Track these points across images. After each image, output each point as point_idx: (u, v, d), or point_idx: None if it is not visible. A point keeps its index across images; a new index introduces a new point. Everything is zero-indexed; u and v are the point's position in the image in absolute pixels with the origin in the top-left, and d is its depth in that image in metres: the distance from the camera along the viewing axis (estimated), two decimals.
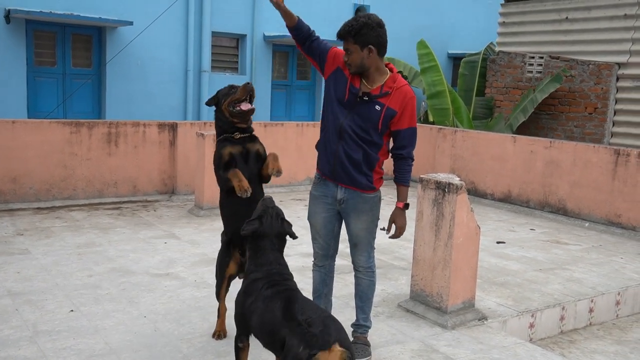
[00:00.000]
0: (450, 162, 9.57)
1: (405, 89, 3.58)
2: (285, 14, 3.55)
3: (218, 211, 7.36)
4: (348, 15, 10.37)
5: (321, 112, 3.81)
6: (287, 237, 3.28)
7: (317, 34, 3.69)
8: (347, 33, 3.47)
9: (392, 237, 3.73)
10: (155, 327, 4.14)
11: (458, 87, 13.67)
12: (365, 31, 3.45)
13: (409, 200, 3.76)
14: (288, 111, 14.97)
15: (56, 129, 7.53)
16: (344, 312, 4.37)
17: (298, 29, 3.61)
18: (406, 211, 3.73)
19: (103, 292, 4.73)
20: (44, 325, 4.07)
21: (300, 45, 3.69)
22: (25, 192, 7.35)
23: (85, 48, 12.51)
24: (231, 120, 3.93)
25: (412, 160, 3.72)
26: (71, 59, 12.32)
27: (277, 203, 3.39)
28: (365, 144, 3.60)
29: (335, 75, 3.64)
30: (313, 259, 3.94)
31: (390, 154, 3.74)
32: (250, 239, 3.20)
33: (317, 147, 3.82)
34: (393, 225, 3.72)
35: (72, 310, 4.33)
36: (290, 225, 3.30)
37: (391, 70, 3.62)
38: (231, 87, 3.94)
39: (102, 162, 7.83)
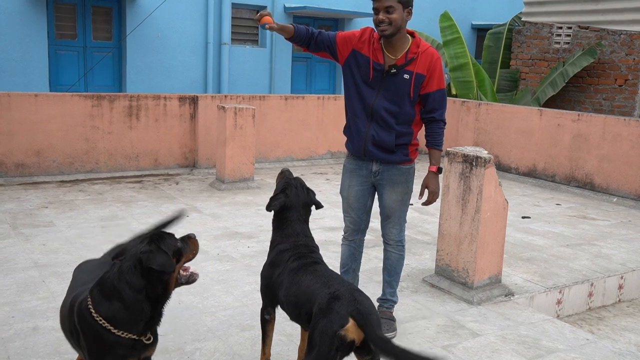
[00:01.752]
0: (473, 136, 9.42)
1: (430, 51, 3.49)
2: (282, 30, 3.46)
3: (239, 184, 7.41)
4: None
5: (344, 98, 3.72)
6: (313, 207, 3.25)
7: (316, 30, 3.58)
8: None
9: (425, 203, 3.66)
10: (179, 300, 4.14)
11: (482, 60, 13.40)
12: None
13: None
14: (309, 84, 14.86)
15: (78, 102, 7.54)
16: (367, 286, 4.33)
17: (297, 36, 3.50)
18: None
19: None
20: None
21: (305, 48, 3.59)
22: (49, 166, 7.40)
23: (106, 21, 12.48)
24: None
25: (444, 123, 3.64)
26: (92, 32, 12.31)
27: (298, 175, 3.36)
28: (398, 122, 3.52)
29: (352, 58, 3.53)
30: (343, 233, 3.89)
31: (422, 118, 3.64)
32: (276, 212, 3.17)
33: (345, 131, 3.73)
34: (426, 191, 3.65)
35: None
36: (314, 194, 3.27)
37: (412, 35, 3.52)
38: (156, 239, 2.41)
39: (123, 135, 7.84)
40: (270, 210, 3.16)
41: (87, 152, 7.63)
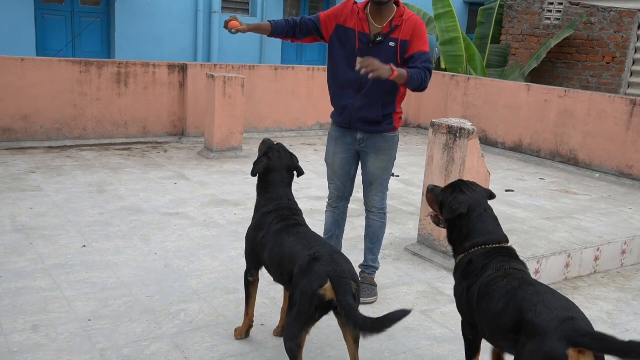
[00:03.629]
0: (462, 110, 9.49)
1: (414, 18, 3.55)
2: (258, 29, 3.48)
3: (228, 153, 7.46)
4: None
5: (327, 72, 3.75)
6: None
7: (297, 18, 3.62)
8: None
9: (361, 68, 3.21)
10: (165, 263, 4.24)
11: (475, 36, 13.41)
12: None
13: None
14: (299, 55, 14.80)
15: (66, 67, 7.51)
16: (351, 254, 4.43)
17: (276, 30, 3.54)
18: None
19: (114, 229, 4.83)
20: (58, 259, 4.17)
21: (291, 39, 3.62)
22: (36, 131, 7.40)
23: None
24: None
25: (429, 72, 3.44)
26: None
27: (287, 146, 3.42)
28: (385, 92, 3.58)
29: (337, 32, 3.59)
30: (328, 200, 3.99)
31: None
32: (260, 176, 3.24)
33: (332, 103, 3.81)
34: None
35: (84, 246, 4.43)
36: (297, 159, 3.35)
37: (397, 4, 3.58)
38: None
39: (111, 102, 7.83)
40: (255, 175, 3.24)
41: (75, 119, 7.62)
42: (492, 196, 3.02)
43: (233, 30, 3.45)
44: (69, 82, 7.51)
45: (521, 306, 2.39)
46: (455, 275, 2.88)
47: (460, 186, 2.93)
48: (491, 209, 2.95)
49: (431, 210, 3.09)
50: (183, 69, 8.25)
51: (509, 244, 2.87)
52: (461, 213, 2.83)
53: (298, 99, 9.17)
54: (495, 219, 2.93)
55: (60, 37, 11.89)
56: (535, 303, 2.36)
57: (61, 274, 3.94)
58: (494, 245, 2.80)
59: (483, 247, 2.78)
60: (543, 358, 2.20)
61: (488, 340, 2.70)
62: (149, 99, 8.07)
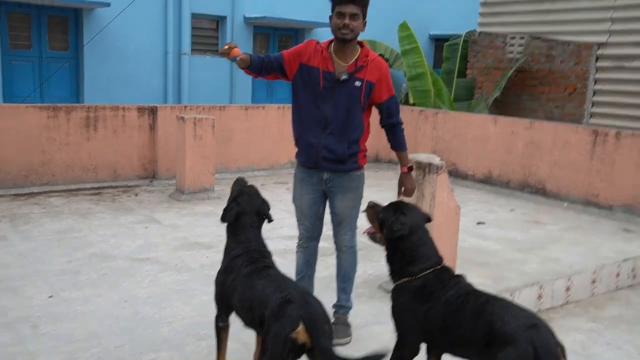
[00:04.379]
0: (432, 144, 9.62)
1: (378, 59, 3.64)
2: (243, 61, 3.48)
3: (200, 195, 7.41)
4: None
5: (292, 112, 3.79)
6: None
7: (263, 55, 3.68)
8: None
9: (404, 196, 3.85)
10: (135, 311, 4.15)
11: (441, 70, 13.70)
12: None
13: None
14: (270, 94, 14.93)
15: (33, 113, 7.44)
16: (324, 293, 4.39)
17: (253, 64, 3.55)
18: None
19: (83, 277, 4.72)
20: (22, 311, 4.05)
21: (257, 74, 3.65)
22: (2, 179, 7.26)
23: (62, 30, 12.34)
24: None
25: (402, 124, 3.79)
26: (47, 42, 12.15)
27: (259, 186, 3.42)
28: (350, 130, 3.62)
29: (301, 71, 3.61)
30: (298, 241, 3.97)
31: (382, 126, 3.79)
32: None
33: (297, 143, 3.81)
34: (403, 189, 3.84)
35: (51, 296, 4.32)
36: (268, 206, 3.34)
37: (361, 45, 3.64)
38: None
39: (81, 147, 7.76)
40: (225, 222, 3.22)
41: (43, 165, 7.52)
42: (429, 219, 3.22)
43: (237, 59, 3.44)
44: (36, 128, 7.43)
45: (490, 319, 2.62)
46: (400, 297, 3.01)
47: (401, 207, 3.10)
48: (428, 231, 3.14)
49: (369, 226, 3.24)
50: (153, 111, 8.24)
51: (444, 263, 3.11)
52: (402, 234, 2.98)
53: (269, 138, 9.20)
54: (432, 240, 3.13)
55: (28, 82, 11.82)
56: (502, 315, 2.61)
57: (26, 327, 3.83)
58: (438, 267, 3.01)
59: (431, 270, 2.97)
60: None
61: (451, 351, 2.91)
62: (119, 143, 8.02)
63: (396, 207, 3.10)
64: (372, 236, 3.23)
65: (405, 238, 3.01)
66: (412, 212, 3.10)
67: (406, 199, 3.79)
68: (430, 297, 2.88)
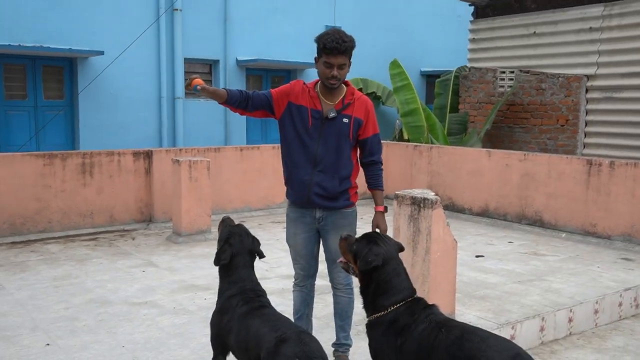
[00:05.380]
0: (427, 179, 9.68)
1: (364, 98, 3.73)
2: (215, 94, 3.53)
3: (196, 237, 7.41)
4: None
5: (281, 151, 3.83)
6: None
7: (250, 91, 3.70)
8: (351, 49, 3.55)
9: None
10: (133, 356, 4.11)
11: (434, 106, 13.88)
12: (354, 46, 3.57)
13: (387, 217, 3.83)
14: (264, 134, 15.06)
15: (29, 161, 7.49)
16: (324, 332, 4.38)
17: (231, 99, 3.58)
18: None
19: (80, 323, 4.69)
20: None
21: (242, 110, 3.67)
22: None
23: (57, 79, 12.50)
24: None
25: (382, 164, 3.85)
26: (42, 91, 12.30)
27: (256, 226, 3.44)
28: (340, 166, 3.67)
29: (289, 110, 3.67)
30: (294, 280, 3.97)
31: (362, 162, 3.84)
32: None
33: (287, 182, 3.85)
34: (377, 231, 3.77)
35: (48, 344, 4.28)
36: (259, 243, 3.36)
37: (346, 84, 3.73)
38: None
39: (77, 193, 7.79)
40: (219, 265, 3.24)
41: (39, 212, 7.53)
42: (401, 249, 3.19)
43: (198, 87, 3.46)
44: (32, 176, 7.47)
45: (470, 354, 2.57)
46: (374, 333, 2.95)
47: (375, 238, 3.08)
48: (401, 262, 3.10)
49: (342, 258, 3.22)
50: (148, 155, 8.30)
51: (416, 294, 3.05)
52: (376, 265, 2.94)
53: (265, 178, 9.25)
54: (405, 271, 3.09)
55: (24, 131, 11.93)
56: (484, 349, 2.56)
57: None
58: (410, 299, 2.95)
59: (403, 302, 2.91)
60: None
61: None
62: (115, 187, 8.05)
63: (369, 239, 3.08)
64: (346, 267, 3.19)
65: (380, 269, 2.96)
66: (386, 243, 3.07)
67: None
68: (402, 331, 2.81)
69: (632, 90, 10.36)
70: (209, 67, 14.33)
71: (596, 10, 10.75)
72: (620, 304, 5.44)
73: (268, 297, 3.25)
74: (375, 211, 3.80)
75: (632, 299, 5.57)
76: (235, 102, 3.60)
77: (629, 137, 10.39)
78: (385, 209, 3.81)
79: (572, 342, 4.83)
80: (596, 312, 5.25)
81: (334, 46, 3.46)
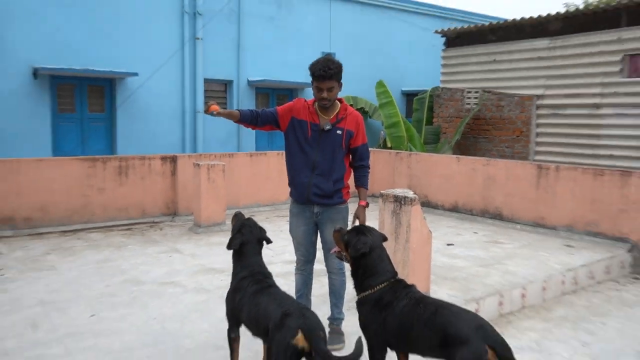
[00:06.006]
0: (407, 181, 9.70)
1: (355, 113, 3.76)
2: (229, 115, 3.55)
3: (214, 228, 7.42)
4: None
5: (285, 158, 3.86)
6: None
7: (259, 109, 3.73)
8: (337, 74, 3.55)
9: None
10: (162, 327, 4.14)
11: (412, 119, 13.91)
12: (341, 70, 3.58)
13: (373, 212, 3.86)
14: (270, 142, 15.06)
15: (76, 164, 7.49)
16: (321, 308, 4.40)
17: (243, 118, 3.61)
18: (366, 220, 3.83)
19: (118, 299, 4.71)
20: (70, 328, 4.04)
21: (253, 126, 3.69)
22: (51, 218, 7.27)
23: (99, 96, 12.51)
24: None
25: (369, 168, 3.89)
26: (88, 106, 12.30)
27: (263, 219, 3.47)
28: (334, 171, 3.69)
29: (292, 124, 3.70)
30: (296, 264, 3.99)
31: (352, 166, 3.86)
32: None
33: (290, 184, 3.87)
34: (357, 220, 3.79)
35: (92, 315, 4.31)
36: (265, 232, 3.39)
37: (340, 101, 3.75)
38: None
39: (115, 191, 7.79)
40: (231, 249, 3.26)
41: (85, 206, 7.54)
42: (385, 239, 3.21)
43: (214, 113, 3.47)
44: (79, 176, 7.47)
45: (443, 326, 2.62)
46: (363, 309, 2.98)
47: (363, 230, 3.11)
48: (385, 249, 3.13)
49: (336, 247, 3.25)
50: (173, 159, 8.30)
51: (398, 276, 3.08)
52: (364, 252, 2.98)
53: (271, 180, 9.26)
54: (388, 257, 3.12)
55: (73, 139, 11.95)
56: (454, 321, 2.62)
57: (72, 341, 3.82)
58: (393, 280, 2.98)
59: (387, 283, 2.94)
60: (473, 358, 2.46)
61: (412, 352, 2.88)
62: (145, 186, 8.06)
63: (358, 230, 3.12)
64: (339, 254, 3.21)
65: (367, 255, 2.99)
66: (372, 233, 3.10)
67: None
68: (386, 307, 2.85)
69: (573, 108, 10.45)
70: (225, 86, 14.34)
71: (544, 42, 10.84)
72: (563, 282, 5.49)
73: (274, 278, 3.28)
74: (359, 204, 3.80)
75: (572, 278, 5.62)
76: (247, 120, 3.64)
77: (571, 146, 10.47)
78: (367, 204, 3.83)
79: (525, 314, 4.87)
80: (544, 289, 5.30)
81: (321, 74, 3.50)
